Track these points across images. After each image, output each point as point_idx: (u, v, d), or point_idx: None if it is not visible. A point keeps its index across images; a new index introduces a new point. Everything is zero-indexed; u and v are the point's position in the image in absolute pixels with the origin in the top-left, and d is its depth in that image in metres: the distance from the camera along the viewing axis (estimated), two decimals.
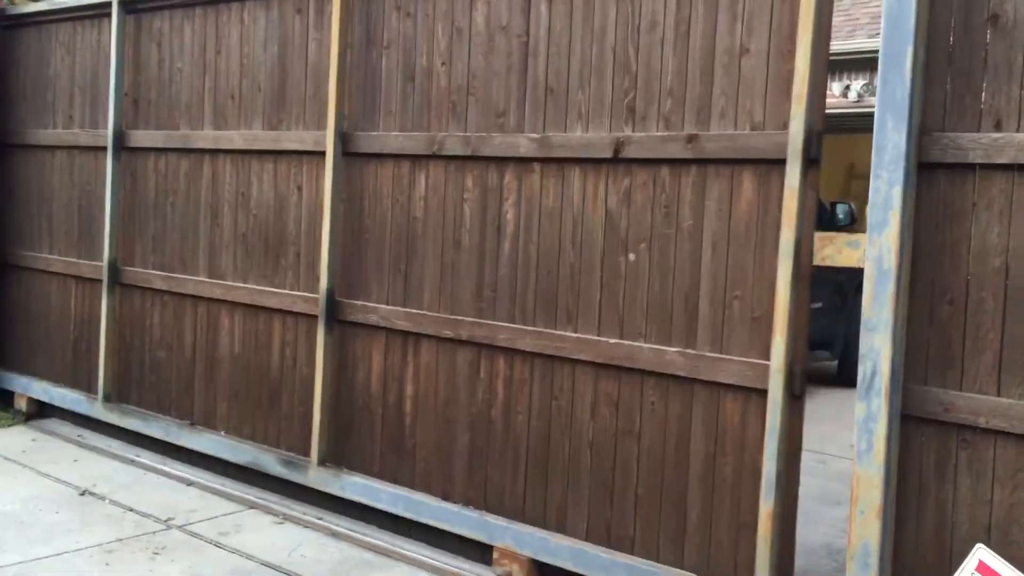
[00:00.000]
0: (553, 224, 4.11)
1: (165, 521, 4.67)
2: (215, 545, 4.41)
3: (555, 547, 4.05)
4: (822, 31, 3.40)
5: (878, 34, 3.23)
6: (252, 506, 4.92)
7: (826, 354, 9.29)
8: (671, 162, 3.78)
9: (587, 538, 4.02)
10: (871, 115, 3.27)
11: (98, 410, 6.01)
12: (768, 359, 3.51)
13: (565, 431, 4.10)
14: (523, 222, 4.20)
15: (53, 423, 6.35)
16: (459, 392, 4.43)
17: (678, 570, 3.75)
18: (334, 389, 4.84)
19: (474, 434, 4.38)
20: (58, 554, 4.22)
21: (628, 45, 3.89)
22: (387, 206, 4.66)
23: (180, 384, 5.65)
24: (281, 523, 4.72)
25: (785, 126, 3.47)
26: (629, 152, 3.87)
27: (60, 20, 6.36)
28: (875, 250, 3.20)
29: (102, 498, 4.95)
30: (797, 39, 3.41)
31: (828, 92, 10.43)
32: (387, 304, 4.66)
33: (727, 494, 3.67)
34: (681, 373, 3.76)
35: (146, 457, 5.60)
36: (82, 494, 5.00)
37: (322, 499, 4.86)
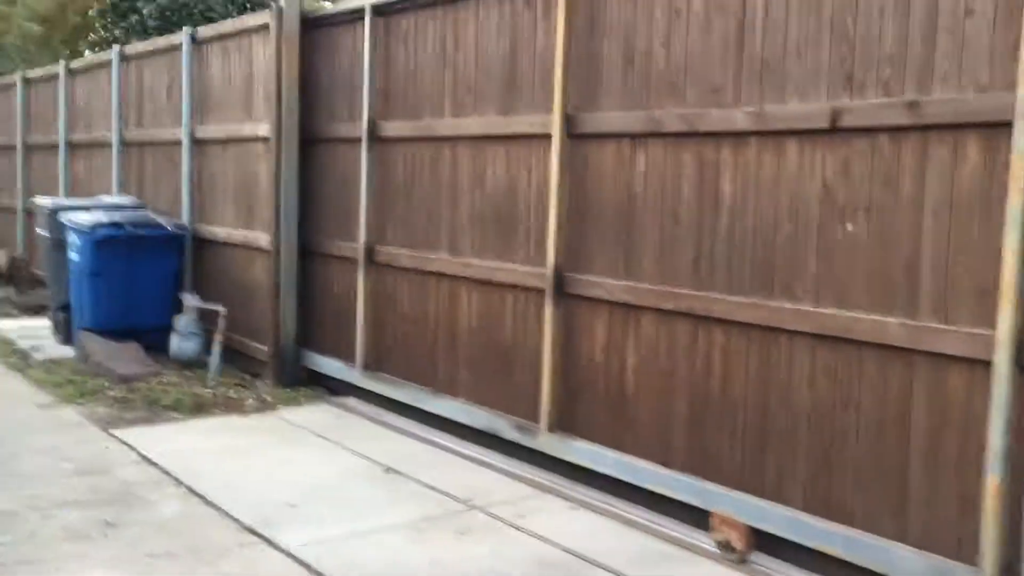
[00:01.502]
0: (769, 197, 4.15)
1: (465, 501, 4.78)
2: (515, 528, 4.47)
3: (772, 515, 4.11)
4: None
5: None
6: (546, 490, 4.95)
7: None
8: (890, 129, 3.72)
9: (804, 508, 4.04)
10: None
11: (356, 377, 6.67)
12: (994, 330, 3.39)
13: (782, 402, 4.14)
14: (739, 195, 4.27)
15: (352, 401, 6.70)
16: (678, 363, 4.57)
17: (899, 543, 3.71)
18: (561, 359, 5.13)
19: (692, 403, 4.50)
20: (373, 530, 4.42)
21: (845, 14, 3.85)
22: (608, 184, 4.87)
23: (424, 354, 6.16)
24: (575, 508, 4.74)
25: (1012, 87, 3.33)
26: (846, 121, 3.84)
27: (327, 25, 7.05)
28: None
29: (405, 476, 5.16)
30: None
31: None
32: (609, 278, 4.87)
33: (951, 468, 3.59)
34: (901, 344, 3.71)
35: (442, 438, 5.81)
36: (387, 471, 5.23)
37: (549, 462, 5.17)
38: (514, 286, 5.45)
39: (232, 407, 6.54)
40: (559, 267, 5.09)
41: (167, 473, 5.11)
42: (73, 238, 7.92)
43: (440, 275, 6.01)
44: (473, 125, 5.71)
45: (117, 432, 5.85)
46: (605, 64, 4.88)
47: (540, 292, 5.22)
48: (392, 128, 6.38)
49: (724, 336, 4.36)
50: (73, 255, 7.96)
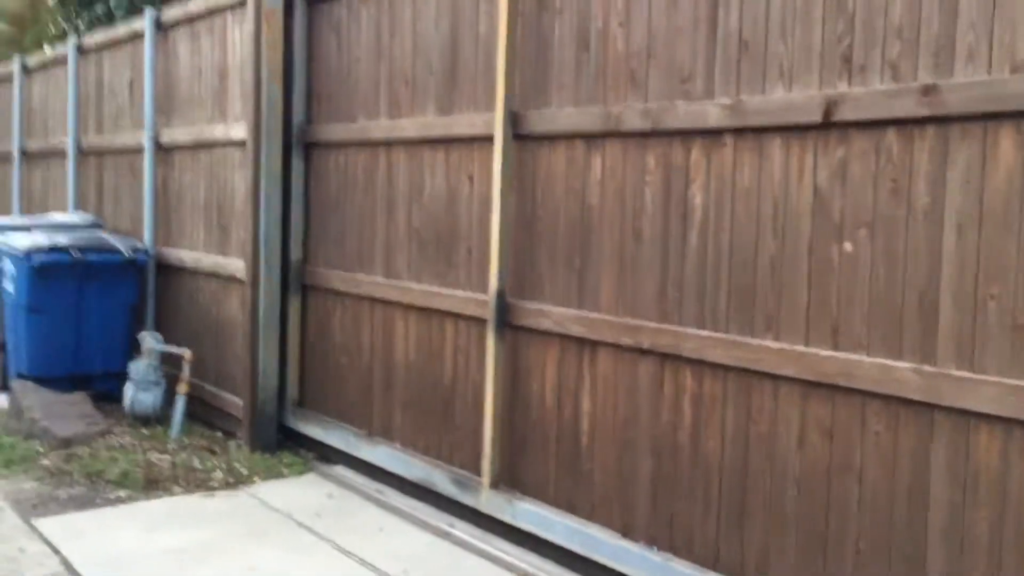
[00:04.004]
0: (749, 208, 3.35)
1: None
2: None
3: None
4: None
5: None
6: None
7: None
8: (900, 123, 2.93)
9: None
10: None
11: (287, 417, 5.83)
12: None
13: (766, 463, 3.33)
14: (713, 207, 3.47)
15: (340, 469, 5.36)
16: (640, 410, 3.76)
17: None
18: (506, 402, 4.32)
19: (658, 460, 3.69)
20: None
21: None
22: (560, 193, 4.07)
23: (358, 391, 5.34)
24: None
25: None
26: (844, 113, 3.05)
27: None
28: None
29: None
30: None
31: None
32: (560, 306, 4.07)
33: (982, 555, 2.78)
34: (915, 396, 2.91)
35: (460, 529, 4.46)
36: None
37: (492, 524, 4.35)
38: (454, 314, 4.64)
39: (195, 482, 5.16)
40: (503, 293, 4.28)
41: None
42: (8, 265, 6.66)
43: (373, 300, 5.20)
44: (410, 127, 4.91)
45: (41, 522, 4.54)
46: (556, 50, 4.08)
47: (482, 322, 4.41)
48: (324, 132, 5.57)
49: (695, 380, 3.55)
50: (8, 285, 6.67)
